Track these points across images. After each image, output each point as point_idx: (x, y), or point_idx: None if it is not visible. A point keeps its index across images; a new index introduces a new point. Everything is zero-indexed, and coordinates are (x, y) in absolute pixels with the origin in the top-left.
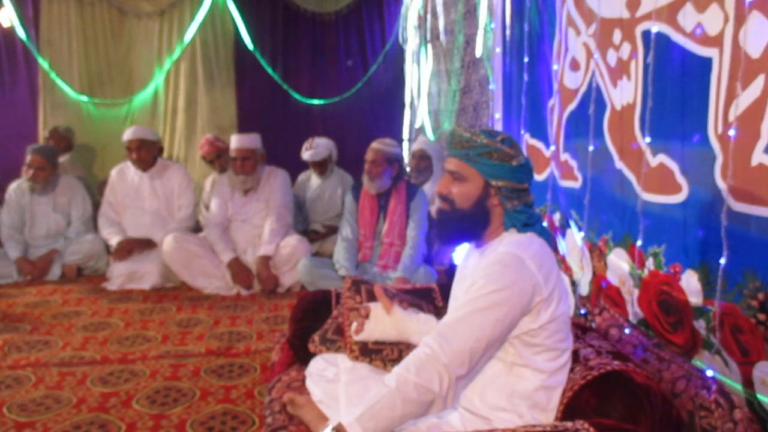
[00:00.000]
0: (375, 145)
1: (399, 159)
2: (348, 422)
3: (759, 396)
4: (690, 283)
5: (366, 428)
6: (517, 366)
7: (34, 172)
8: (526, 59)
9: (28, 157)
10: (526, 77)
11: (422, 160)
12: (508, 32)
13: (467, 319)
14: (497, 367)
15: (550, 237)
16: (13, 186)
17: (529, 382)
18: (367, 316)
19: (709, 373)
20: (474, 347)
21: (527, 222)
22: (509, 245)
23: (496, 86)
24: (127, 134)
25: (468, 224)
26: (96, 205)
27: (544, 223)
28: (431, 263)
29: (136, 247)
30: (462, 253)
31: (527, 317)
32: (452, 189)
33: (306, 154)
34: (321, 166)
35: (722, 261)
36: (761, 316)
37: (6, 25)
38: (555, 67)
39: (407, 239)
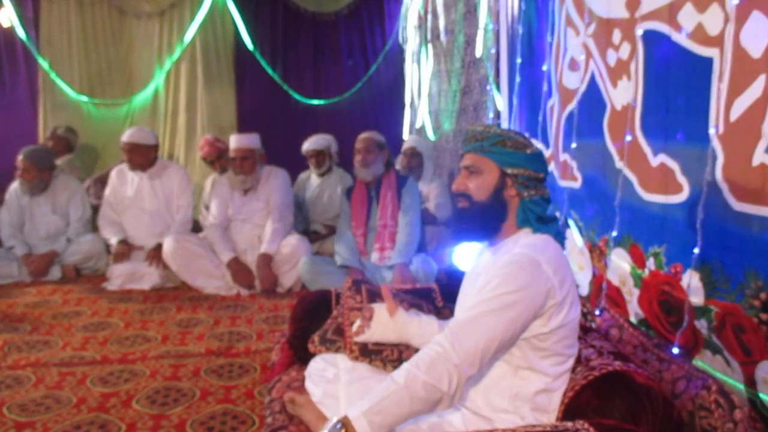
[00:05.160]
0: (363, 135)
1: (387, 146)
2: (354, 416)
3: (761, 395)
4: (691, 282)
5: (372, 423)
6: (522, 369)
7: (20, 175)
8: (519, 60)
9: (18, 159)
10: (518, 78)
11: (413, 157)
12: (508, 33)
13: (480, 319)
14: (502, 369)
15: (564, 241)
16: (13, 186)
17: (533, 385)
18: (370, 318)
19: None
20: (485, 348)
21: (542, 216)
22: (525, 247)
23: (499, 87)
24: (124, 135)
25: (486, 217)
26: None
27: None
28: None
29: (154, 258)
30: (465, 253)
31: (539, 320)
32: (469, 184)
33: (306, 144)
34: (319, 156)
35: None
36: (763, 316)
37: (6, 25)
38: (554, 67)
39: (401, 227)
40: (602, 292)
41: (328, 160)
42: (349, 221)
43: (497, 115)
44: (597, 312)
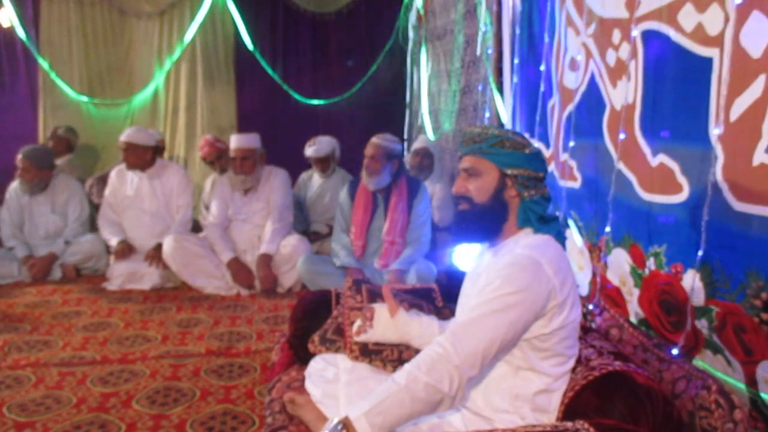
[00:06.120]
0: (375, 140)
1: (399, 155)
2: (355, 416)
3: (763, 395)
4: (691, 282)
5: (373, 424)
6: (523, 369)
7: (20, 174)
8: (516, 60)
9: (17, 158)
10: (515, 78)
11: (425, 158)
12: (510, 33)
13: (481, 320)
14: (503, 370)
15: (565, 241)
16: (13, 185)
17: (534, 386)
18: (371, 318)
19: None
20: (486, 349)
21: (543, 215)
22: (526, 247)
23: (501, 88)
24: (122, 135)
25: (487, 219)
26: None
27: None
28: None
29: (154, 258)
30: (465, 254)
31: (540, 321)
32: (469, 186)
33: (309, 150)
34: (323, 163)
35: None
36: (764, 316)
37: (6, 25)
38: (554, 67)
39: (408, 241)
40: (597, 291)
41: (332, 163)
42: (347, 227)
43: (495, 115)
44: (591, 306)
